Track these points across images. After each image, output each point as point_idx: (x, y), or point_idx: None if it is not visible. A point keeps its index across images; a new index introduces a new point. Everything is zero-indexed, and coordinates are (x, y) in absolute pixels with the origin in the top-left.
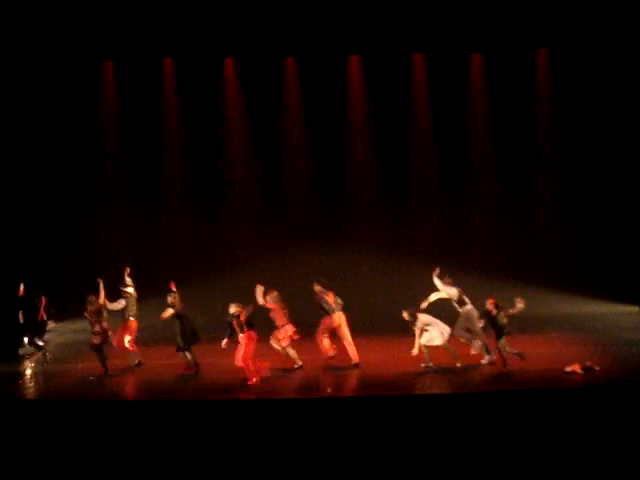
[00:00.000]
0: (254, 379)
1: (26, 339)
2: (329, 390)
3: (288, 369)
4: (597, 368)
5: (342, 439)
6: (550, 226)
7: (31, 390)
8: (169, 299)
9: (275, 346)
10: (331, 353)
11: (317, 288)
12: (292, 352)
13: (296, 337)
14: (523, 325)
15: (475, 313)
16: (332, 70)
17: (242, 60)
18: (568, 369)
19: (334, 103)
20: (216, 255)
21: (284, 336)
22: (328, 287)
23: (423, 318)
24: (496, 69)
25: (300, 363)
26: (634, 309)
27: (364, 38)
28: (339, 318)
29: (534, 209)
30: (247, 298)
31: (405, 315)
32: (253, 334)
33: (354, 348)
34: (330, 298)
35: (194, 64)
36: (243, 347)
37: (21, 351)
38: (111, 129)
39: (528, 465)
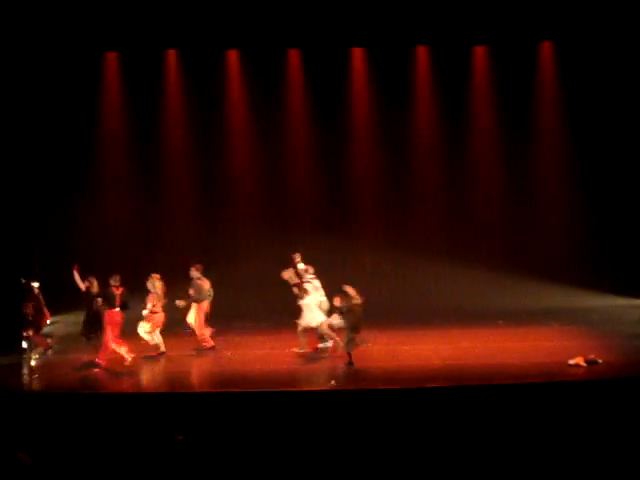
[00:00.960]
0: (102, 362)
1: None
2: (332, 382)
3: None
4: (600, 361)
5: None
6: (554, 218)
7: (33, 382)
8: (87, 283)
9: (141, 333)
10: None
11: (195, 274)
12: (158, 339)
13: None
14: (527, 318)
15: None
16: (336, 62)
17: (246, 52)
18: (572, 362)
19: (337, 95)
20: (217, 247)
21: (153, 323)
22: (204, 274)
23: (308, 299)
24: (501, 61)
25: (163, 349)
26: (638, 302)
27: (367, 31)
28: (206, 306)
29: (538, 202)
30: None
31: (296, 289)
32: (118, 315)
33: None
34: (206, 285)
35: (197, 56)
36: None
37: (24, 343)
38: (113, 120)
39: (531, 460)
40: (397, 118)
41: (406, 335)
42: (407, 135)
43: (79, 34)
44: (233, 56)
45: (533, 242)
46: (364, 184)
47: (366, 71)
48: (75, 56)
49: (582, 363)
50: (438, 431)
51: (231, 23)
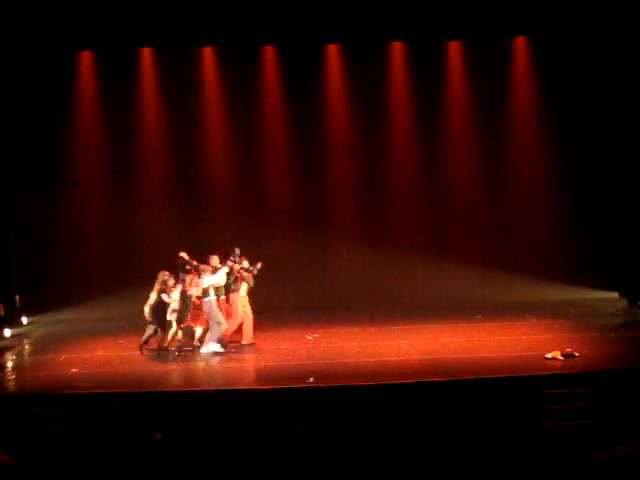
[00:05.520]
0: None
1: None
2: (311, 379)
3: None
4: (577, 354)
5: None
6: (531, 213)
7: (11, 383)
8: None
9: None
10: None
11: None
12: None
13: None
14: (504, 312)
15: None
16: (311, 59)
17: (220, 49)
18: (549, 355)
19: (313, 92)
20: (194, 243)
21: None
22: None
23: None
24: (475, 57)
25: None
26: (614, 295)
27: (342, 27)
28: None
29: (514, 197)
30: None
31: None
32: None
33: None
34: None
35: (172, 53)
36: None
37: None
38: (88, 119)
39: (509, 452)
40: (373, 114)
41: (384, 331)
42: (383, 130)
43: (53, 32)
44: (208, 53)
45: (511, 237)
46: (341, 179)
47: (341, 67)
48: (48, 54)
49: (559, 357)
50: (417, 426)
51: (206, 20)
